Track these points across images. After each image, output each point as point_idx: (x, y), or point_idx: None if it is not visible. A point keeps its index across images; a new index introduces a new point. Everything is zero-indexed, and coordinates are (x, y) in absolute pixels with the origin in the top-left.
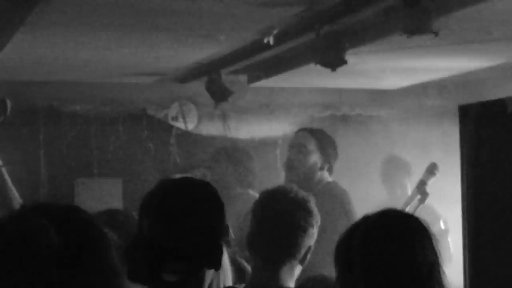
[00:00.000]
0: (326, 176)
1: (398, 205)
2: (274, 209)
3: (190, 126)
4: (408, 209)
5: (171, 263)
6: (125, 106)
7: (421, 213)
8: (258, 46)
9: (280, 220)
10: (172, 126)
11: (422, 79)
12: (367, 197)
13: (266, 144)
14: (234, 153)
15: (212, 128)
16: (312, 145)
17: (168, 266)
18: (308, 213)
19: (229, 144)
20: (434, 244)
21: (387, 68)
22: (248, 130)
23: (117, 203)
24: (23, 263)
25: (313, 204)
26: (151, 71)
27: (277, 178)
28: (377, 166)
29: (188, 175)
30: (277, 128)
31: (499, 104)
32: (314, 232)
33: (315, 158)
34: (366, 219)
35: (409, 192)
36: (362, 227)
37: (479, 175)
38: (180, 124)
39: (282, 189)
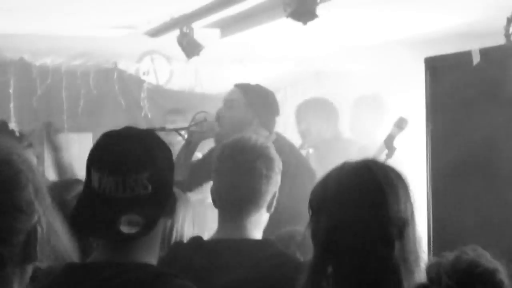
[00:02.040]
0: (261, 131)
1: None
2: (235, 159)
3: (162, 81)
4: None
5: (127, 214)
6: (96, 60)
7: None
8: (229, 0)
9: (241, 169)
10: (143, 81)
11: (395, 35)
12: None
13: None
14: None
15: (184, 83)
16: (241, 101)
17: (124, 218)
18: (269, 159)
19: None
20: (410, 199)
21: (359, 23)
22: (221, 84)
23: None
24: None
25: (273, 150)
26: (122, 25)
27: None
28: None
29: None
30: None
31: (465, 56)
32: (277, 178)
33: (243, 113)
34: (343, 166)
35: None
36: (335, 175)
37: (443, 126)
38: (151, 79)
39: (241, 139)
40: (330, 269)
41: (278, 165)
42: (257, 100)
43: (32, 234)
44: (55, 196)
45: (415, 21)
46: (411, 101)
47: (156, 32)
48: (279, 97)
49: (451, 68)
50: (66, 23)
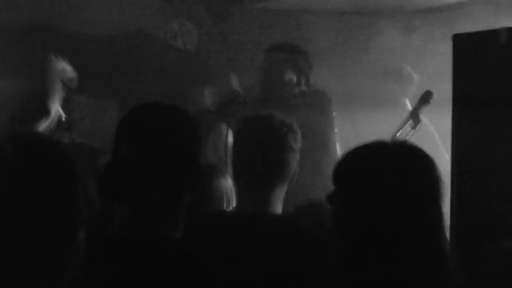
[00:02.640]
0: (304, 89)
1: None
2: (263, 130)
3: (189, 47)
4: (399, 135)
5: (153, 182)
6: (121, 24)
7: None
8: None
9: (271, 141)
10: (170, 46)
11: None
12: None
13: None
14: None
15: (211, 49)
16: (285, 63)
17: (151, 185)
18: (296, 133)
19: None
20: (439, 184)
21: None
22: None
23: (113, 123)
24: None
25: (296, 125)
26: None
27: None
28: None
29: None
30: None
31: (492, 35)
32: (298, 153)
33: (289, 75)
34: (368, 147)
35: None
36: (361, 157)
37: (470, 105)
38: (178, 44)
39: (266, 114)
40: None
41: (300, 140)
42: (301, 60)
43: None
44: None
45: None
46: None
47: None
48: None
49: (478, 46)
50: None
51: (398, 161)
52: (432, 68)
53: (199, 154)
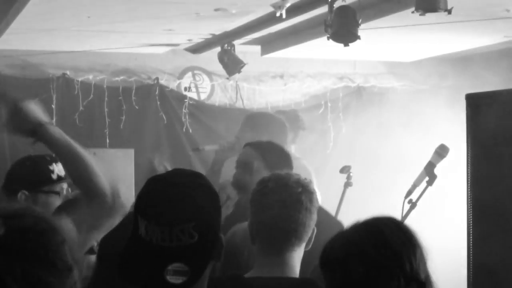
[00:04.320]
0: None
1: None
2: (281, 192)
3: (203, 96)
4: (415, 191)
5: (173, 264)
6: (137, 76)
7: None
8: (270, 19)
9: (288, 202)
10: (185, 96)
11: (437, 53)
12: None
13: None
14: (259, 120)
15: (225, 99)
16: (258, 162)
17: (170, 267)
18: (311, 193)
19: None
20: (424, 260)
21: (401, 41)
22: (261, 101)
23: (129, 174)
24: None
25: (313, 185)
26: (164, 42)
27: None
28: (390, 138)
29: (214, 146)
30: (290, 98)
31: (507, 94)
32: (316, 213)
33: (262, 174)
34: (354, 227)
35: None
36: (347, 234)
37: (484, 161)
38: (192, 94)
39: (282, 174)
40: None
41: (317, 200)
42: (275, 159)
43: None
44: None
45: (457, 39)
46: (454, 122)
47: (197, 49)
48: (319, 112)
49: (492, 105)
50: (107, 41)
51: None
52: None
53: (219, 224)
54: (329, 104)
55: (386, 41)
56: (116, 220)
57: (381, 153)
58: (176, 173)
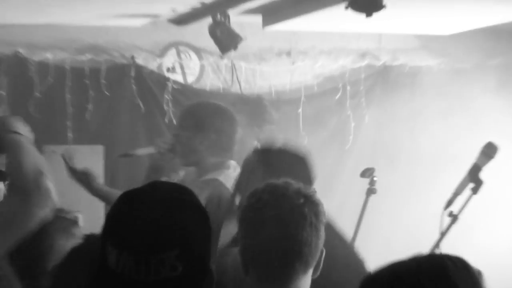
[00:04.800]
0: None
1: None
2: (278, 205)
3: (190, 79)
4: (456, 201)
5: None
6: (108, 54)
7: None
8: None
9: (288, 217)
10: (167, 79)
11: (481, 24)
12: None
13: (286, 101)
14: (202, 113)
15: (217, 82)
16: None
17: None
18: (317, 206)
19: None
20: None
21: (437, 10)
22: (263, 84)
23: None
24: None
25: (318, 196)
26: (141, 12)
27: (298, 142)
28: (425, 130)
29: (148, 149)
30: (299, 81)
31: None
32: (323, 230)
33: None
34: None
35: None
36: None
37: None
38: (177, 77)
39: (278, 183)
40: None
41: (324, 213)
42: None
43: None
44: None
45: (505, 9)
46: (504, 109)
47: (183, 20)
48: (336, 98)
49: None
50: (72, 12)
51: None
52: None
53: (209, 252)
54: (348, 88)
55: (418, 10)
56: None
57: (413, 150)
58: (155, 187)
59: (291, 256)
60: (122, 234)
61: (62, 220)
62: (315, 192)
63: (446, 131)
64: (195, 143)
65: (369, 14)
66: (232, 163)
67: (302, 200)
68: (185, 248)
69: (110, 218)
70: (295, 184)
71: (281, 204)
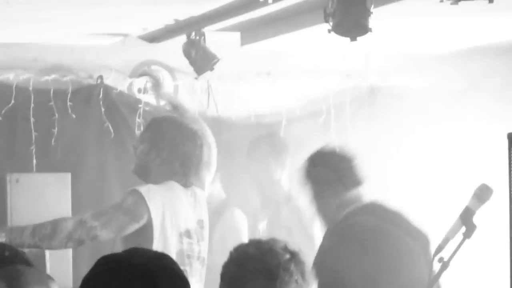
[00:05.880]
0: None
1: None
2: (265, 259)
3: (163, 101)
4: (447, 246)
5: None
6: (75, 74)
7: None
8: (253, 2)
9: (274, 272)
10: (139, 101)
11: (476, 42)
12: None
13: (265, 125)
14: (162, 128)
15: (192, 104)
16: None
17: None
18: (303, 264)
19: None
20: None
21: (428, 28)
22: (241, 107)
23: (64, 208)
24: None
25: (302, 256)
26: (110, 32)
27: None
28: (415, 159)
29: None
30: (280, 104)
31: None
32: None
33: None
34: None
35: None
36: None
37: None
38: (149, 98)
39: (265, 239)
40: None
41: (309, 274)
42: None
43: None
44: None
45: (504, 25)
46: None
47: (155, 37)
48: (320, 121)
49: None
50: (36, 30)
51: None
52: None
53: None
54: (332, 111)
55: (407, 27)
56: None
57: (402, 180)
58: (134, 253)
59: None
60: None
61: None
62: (301, 251)
63: (436, 160)
64: (148, 159)
65: (353, 38)
66: (172, 183)
67: (288, 256)
68: None
69: (86, 282)
70: (281, 241)
71: (267, 258)
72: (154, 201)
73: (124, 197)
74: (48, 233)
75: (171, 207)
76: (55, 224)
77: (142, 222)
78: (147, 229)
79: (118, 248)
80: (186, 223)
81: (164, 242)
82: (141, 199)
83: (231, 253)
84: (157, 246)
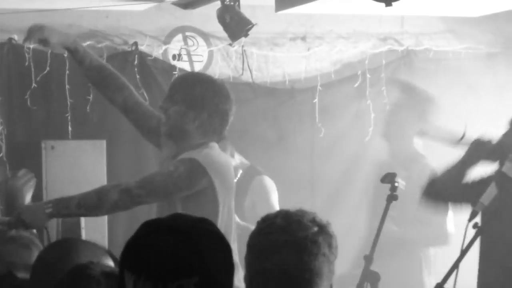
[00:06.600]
0: None
1: None
2: (292, 231)
3: (198, 67)
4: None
5: None
6: (109, 41)
7: None
8: None
9: (301, 244)
10: (173, 67)
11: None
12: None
13: (300, 90)
14: (197, 88)
15: (227, 70)
16: None
17: None
18: (331, 237)
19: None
20: None
21: None
22: (276, 71)
23: (100, 175)
24: None
25: (331, 228)
26: None
27: (314, 134)
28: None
29: None
30: (315, 68)
31: None
32: (334, 266)
33: None
34: None
35: None
36: None
37: None
38: (184, 64)
39: (294, 209)
40: None
41: (337, 248)
42: None
43: None
44: None
45: None
46: None
47: (189, 3)
48: (355, 86)
49: None
50: None
51: None
52: None
53: (231, 285)
54: (368, 75)
55: None
56: None
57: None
58: (176, 217)
59: (301, 284)
60: (140, 260)
61: None
62: (330, 224)
63: (474, 124)
64: (185, 120)
65: (388, 3)
66: (215, 145)
67: (316, 229)
68: (204, 277)
69: (129, 245)
70: (310, 213)
71: (295, 230)
72: (213, 167)
73: (178, 165)
74: (94, 204)
75: (226, 171)
76: (100, 195)
77: (198, 188)
78: (208, 192)
79: (176, 208)
80: None
81: (230, 204)
82: (199, 166)
83: (258, 223)
84: (222, 211)
